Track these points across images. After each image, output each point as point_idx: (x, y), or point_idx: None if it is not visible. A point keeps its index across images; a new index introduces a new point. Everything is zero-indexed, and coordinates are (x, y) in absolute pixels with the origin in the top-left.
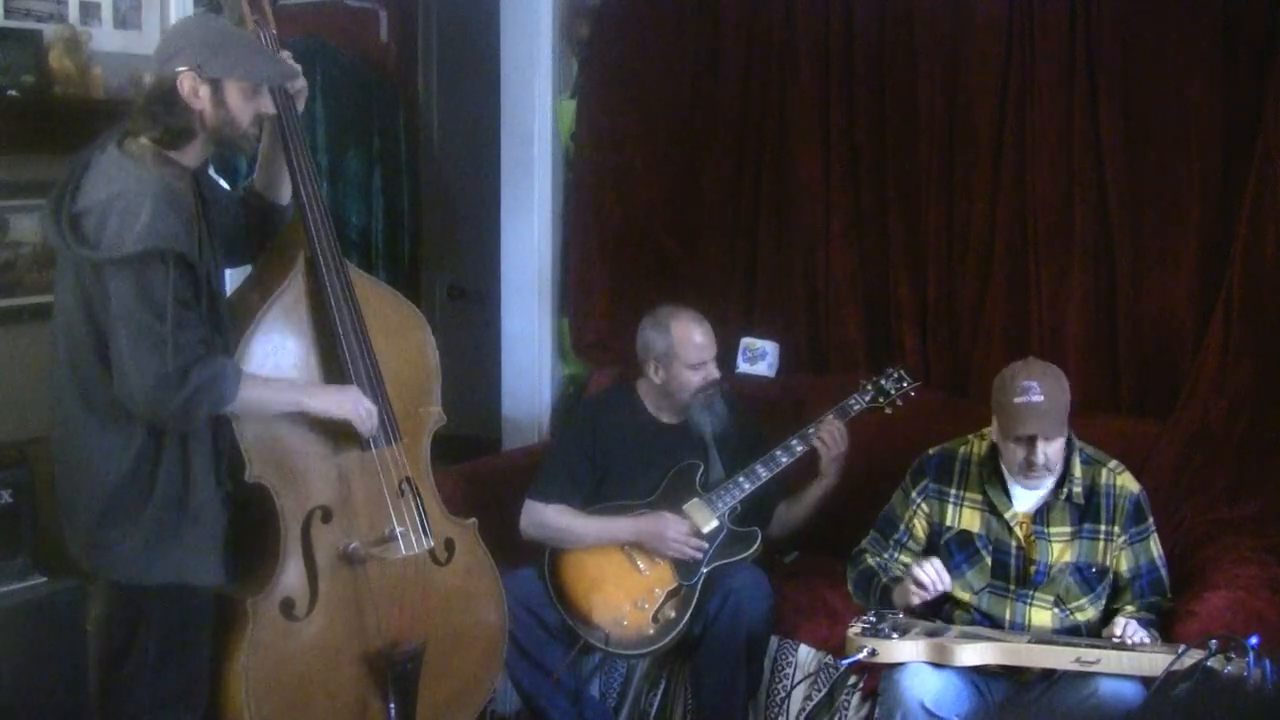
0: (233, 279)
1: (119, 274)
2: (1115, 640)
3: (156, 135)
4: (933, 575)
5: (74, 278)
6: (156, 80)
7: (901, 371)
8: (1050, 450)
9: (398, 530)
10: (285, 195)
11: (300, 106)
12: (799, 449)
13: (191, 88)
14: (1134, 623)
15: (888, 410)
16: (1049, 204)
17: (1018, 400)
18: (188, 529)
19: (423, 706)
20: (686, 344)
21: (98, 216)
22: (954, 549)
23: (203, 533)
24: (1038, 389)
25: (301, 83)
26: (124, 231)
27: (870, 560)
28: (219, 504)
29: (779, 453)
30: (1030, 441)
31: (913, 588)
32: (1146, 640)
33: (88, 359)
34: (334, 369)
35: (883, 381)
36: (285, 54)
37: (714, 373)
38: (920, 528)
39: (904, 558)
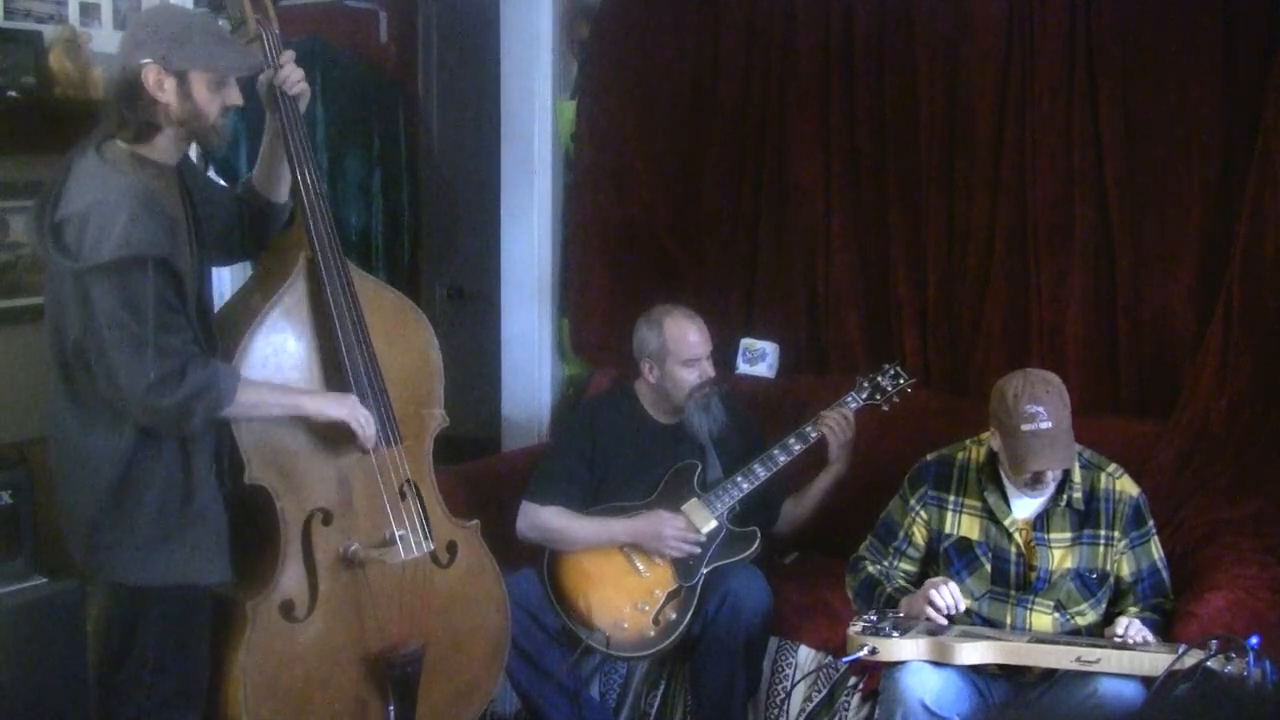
0: (233, 279)
1: (101, 281)
2: (1118, 639)
3: (125, 133)
4: (949, 600)
5: (58, 284)
6: (121, 73)
7: (898, 368)
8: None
9: (397, 533)
10: (283, 194)
11: (303, 107)
12: (797, 448)
13: (156, 80)
14: (1136, 622)
15: (884, 408)
16: (1049, 204)
17: (1025, 428)
18: (191, 529)
19: (423, 708)
20: (680, 341)
21: (77, 226)
22: (953, 556)
23: (207, 532)
24: (1044, 414)
25: (303, 85)
26: (103, 239)
27: (870, 569)
28: (222, 503)
29: (777, 452)
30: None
31: (929, 610)
32: (1149, 638)
33: (76, 362)
34: (335, 371)
35: (879, 379)
36: (289, 54)
37: (709, 371)
38: (919, 535)
39: (904, 565)
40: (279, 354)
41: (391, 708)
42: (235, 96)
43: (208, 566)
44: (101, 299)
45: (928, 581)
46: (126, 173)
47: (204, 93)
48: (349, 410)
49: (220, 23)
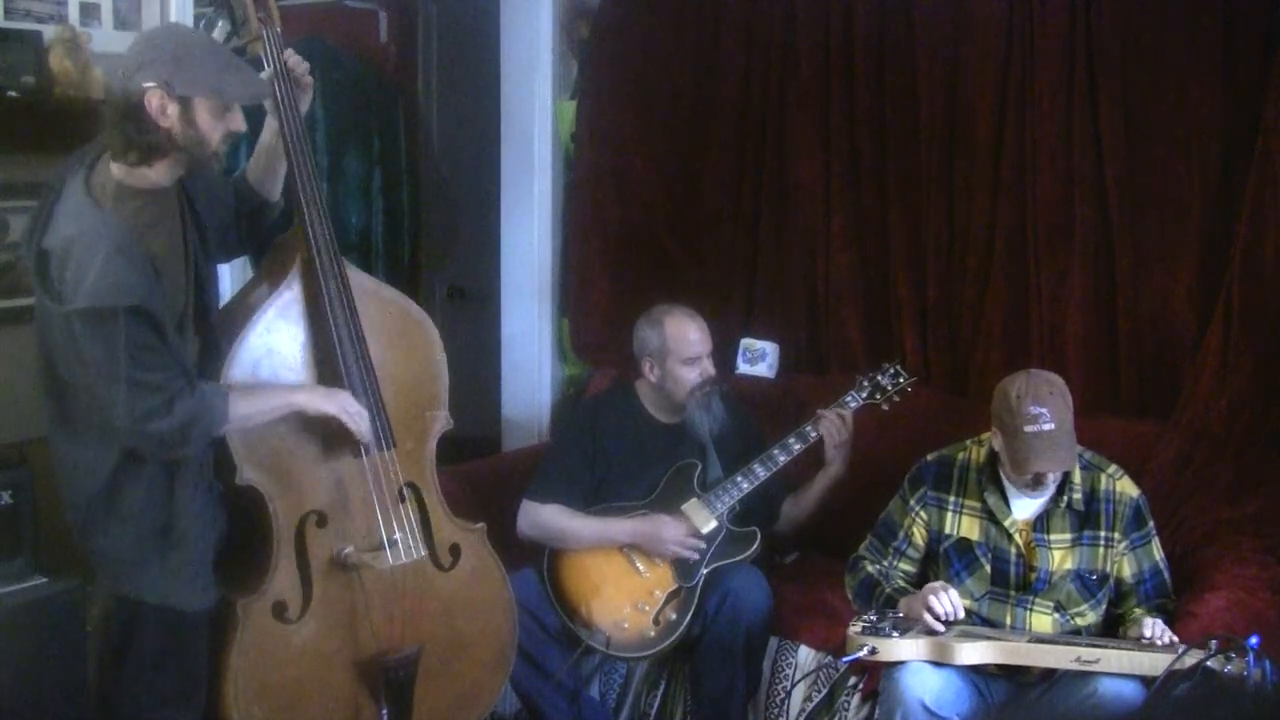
0: (233, 280)
1: (78, 324)
2: (1144, 640)
3: (129, 156)
4: (947, 607)
5: (43, 312)
6: (124, 94)
7: (898, 367)
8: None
9: (390, 538)
10: (277, 191)
11: (304, 106)
12: (797, 448)
13: (160, 105)
14: (1160, 622)
15: (884, 407)
16: (1049, 204)
17: (1028, 429)
18: (171, 553)
19: (424, 712)
20: (680, 339)
21: (58, 263)
22: (953, 556)
23: (187, 557)
24: (1047, 416)
25: (305, 71)
26: (79, 284)
27: (870, 568)
28: (207, 522)
29: (777, 452)
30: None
31: (927, 616)
32: (1174, 639)
33: (60, 377)
34: (329, 373)
35: (879, 378)
36: (290, 53)
37: (710, 369)
38: (919, 535)
39: (903, 565)
40: (272, 355)
41: (385, 711)
42: (239, 122)
43: (185, 592)
44: (81, 340)
45: (927, 586)
46: (109, 208)
47: (207, 119)
48: (339, 405)
49: (221, 24)
